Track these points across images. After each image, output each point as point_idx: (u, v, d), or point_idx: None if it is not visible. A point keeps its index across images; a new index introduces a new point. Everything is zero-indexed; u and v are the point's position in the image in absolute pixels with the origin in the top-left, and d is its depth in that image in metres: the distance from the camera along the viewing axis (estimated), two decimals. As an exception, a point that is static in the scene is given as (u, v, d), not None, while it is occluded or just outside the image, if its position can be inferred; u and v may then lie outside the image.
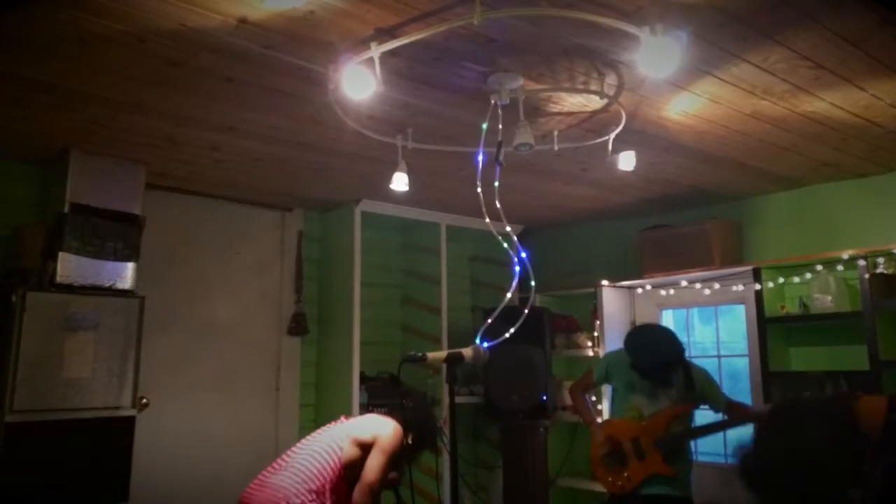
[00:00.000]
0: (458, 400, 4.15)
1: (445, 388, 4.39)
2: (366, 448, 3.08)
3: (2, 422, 3.27)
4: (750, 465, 1.87)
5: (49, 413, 3.37)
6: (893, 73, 2.75)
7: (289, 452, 3.20)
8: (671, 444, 3.52)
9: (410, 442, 3.20)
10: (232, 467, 4.40)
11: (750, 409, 3.60)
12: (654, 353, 3.56)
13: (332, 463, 3.08)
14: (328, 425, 3.31)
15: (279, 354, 4.76)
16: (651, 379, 3.59)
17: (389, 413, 3.39)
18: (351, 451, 3.09)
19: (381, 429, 3.12)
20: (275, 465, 3.15)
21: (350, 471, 3.05)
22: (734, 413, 3.60)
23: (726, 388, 4.74)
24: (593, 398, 4.29)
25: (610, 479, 3.66)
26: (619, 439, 3.63)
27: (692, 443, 3.74)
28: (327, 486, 3.02)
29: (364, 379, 4.56)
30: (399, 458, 3.12)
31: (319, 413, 4.82)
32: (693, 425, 3.69)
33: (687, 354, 5.02)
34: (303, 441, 3.26)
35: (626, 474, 3.58)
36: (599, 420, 3.99)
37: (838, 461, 1.76)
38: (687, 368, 3.66)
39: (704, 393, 3.64)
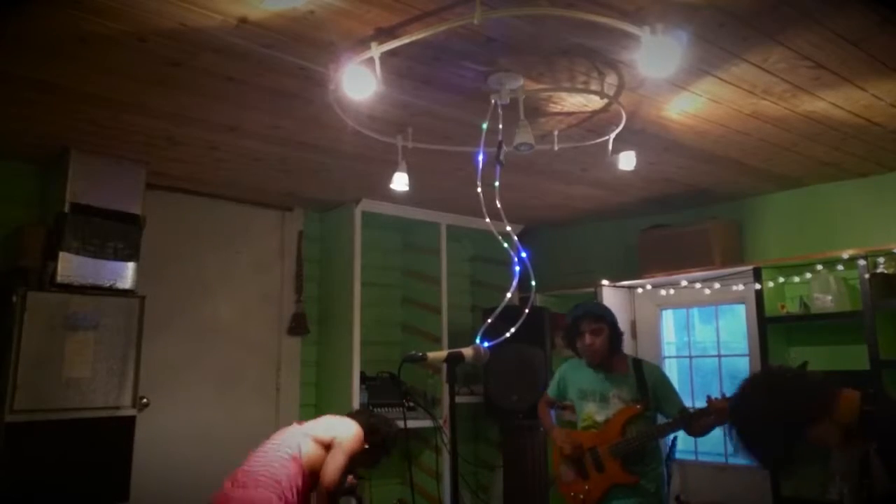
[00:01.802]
0: (458, 400, 4.12)
1: (445, 388, 4.39)
2: (327, 448, 3.05)
3: (2, 422, 3.27)
4: (733, 414, 2.13)
5: (49, 413, 3.38)
6: (893, 73, 2.75)
7: (246, 467, 3.09)
8: (628, 450, 3.25)
9: (367, 446, 3.16)
10: (232, 467, 4.38)
11: (708, 409, 3.17)
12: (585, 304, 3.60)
13: (290, 469, 2.99)
14: (280, 432, 3.23)
15: (279, 354, 4.76)
16: (618, 350, 3.44)
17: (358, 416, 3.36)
18: (313, 451, 3.04)
19: (341, 430, 3.12)
20: (236, 477, 3.06)
21: (315, 476, 3.01)
22: (689, 421, 3.25)
23: (726, 388, 4.75)
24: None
25: (572, 493, 3.39)
26: (577, 451, 3.36)
27: (660, 443, 3.45)
28: (293, 494, 2.94)
29: (364, 379, 4.56)
30: (356, 463, 3.10)
31: (320, 413, 4.80)
32: (653, 425, 3.37)
33: (686, 354, 5.06)
34: (258, 451, 3.15)
35: (586, 487, 3.33)
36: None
37: (790, 425, 1.98)
38: (638, 366, 3.39)
39: (657, 394, 3.34)
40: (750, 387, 2.12)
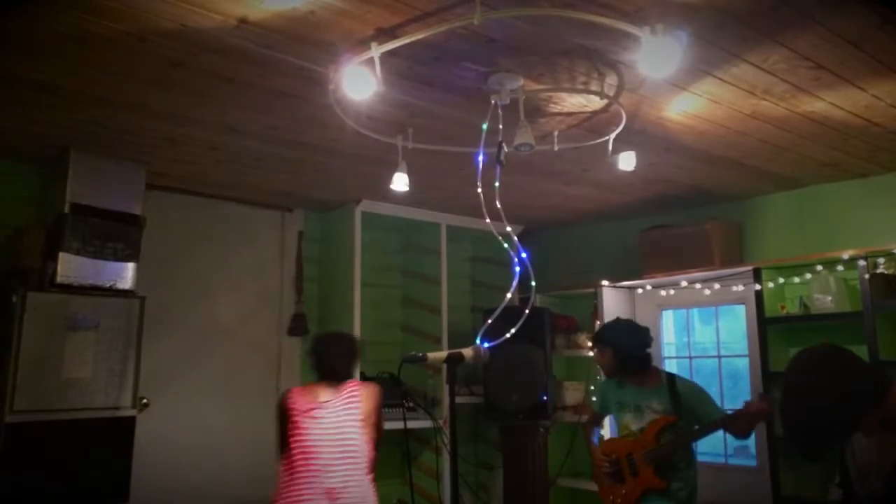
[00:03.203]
0: (458, 400, 4.12)
1: (446, 388, 4.39)
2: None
3: (2, 422, 3.27)
4: (781, 395, 2.01)
5: (49, 413, 3.38)
6: (893, 74, 2.75)
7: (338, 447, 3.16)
8: (660, 456, 3.43)
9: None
10: (232, 467, 4.40)
11: (743, 410, 3.31)
12: (639, 341, 3.65)
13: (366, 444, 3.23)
14: (328, 406, 3.21)
15: (279, 354, 4.76)
16: (634, 369, 3.59)
17: None
18: (371, 434, 3.25)
19: (371, 399, 3.28)
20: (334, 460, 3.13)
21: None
22: (728, 422, 3.39)
23: (726, 388, 4.76)
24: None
25: (611, 497, 3.61)
26: (615, 457, 3.58)
27: (691, 452, 3.52)
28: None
29: (364, 379, 4.55)
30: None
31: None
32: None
33: (686, 355, 5.07)
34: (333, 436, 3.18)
35: (623, 492, 3.53)
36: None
37: (843, 411, 1.87)
38: (672, 380, 3.57)
39: (691, 405, 3.47)
40: (812, 363, 1.99)
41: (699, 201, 4.73)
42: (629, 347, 3.60)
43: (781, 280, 4.26)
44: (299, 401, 3.18)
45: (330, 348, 3.34)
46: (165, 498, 4.02)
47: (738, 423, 3.35)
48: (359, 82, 2.47)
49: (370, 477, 3.26)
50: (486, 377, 4.75)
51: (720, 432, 3.70)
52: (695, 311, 5.13)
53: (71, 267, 3.52)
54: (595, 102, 3.01)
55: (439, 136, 3.38)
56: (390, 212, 4.74)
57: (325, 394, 3.20)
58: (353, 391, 3.25)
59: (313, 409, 3.15)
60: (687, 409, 3.46)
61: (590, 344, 4.95)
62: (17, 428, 3.29)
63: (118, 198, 3.71)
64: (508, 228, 2.77)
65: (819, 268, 4.09)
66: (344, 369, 3.31)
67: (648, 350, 3.64)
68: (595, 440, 3.84)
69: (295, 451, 3.11)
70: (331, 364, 3.27)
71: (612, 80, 2.78)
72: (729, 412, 3.41)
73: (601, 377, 4.03)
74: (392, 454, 4.91)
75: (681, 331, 5.24)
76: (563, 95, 2.96)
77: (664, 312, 5.21)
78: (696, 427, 3.44)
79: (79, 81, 2.78)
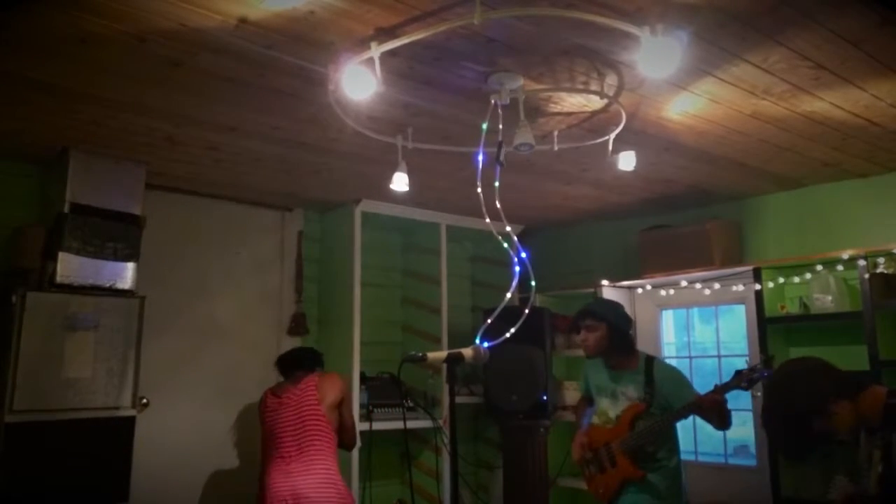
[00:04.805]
0: (458, 400, 4.14)
1: (445, 388, 4.39)
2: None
3: (2, 422, 3.27)
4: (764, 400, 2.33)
5: (49, 413, 3.37)
6: (893, 73, 2.76)
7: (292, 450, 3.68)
8: (634, 445, 3.35)
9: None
10: (232, 467, 4.40)
11: (713, 394, 3.25)
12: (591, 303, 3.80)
13: (330, 434, 3.76)
14: (285, 402, 3.79)
15: (279, 354, 4.75)
16: (622, 348, 3.53)
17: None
18: (335, 417, 3.80)
19: (340, 386, 3.88)
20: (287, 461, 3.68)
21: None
22: (689, 412, 3.32)
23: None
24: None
25: (593, 487, 3.55)
26: (594, 446, 3.52)
27: (673, 441, 3.46)
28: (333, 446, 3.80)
29: (364, 379, 4.55)
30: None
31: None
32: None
33: (686, 354, 5.07)
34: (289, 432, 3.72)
35: (605, 482, 3.47)
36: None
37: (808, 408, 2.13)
38: (650, 363, 3.47)
39: (665, 392, 3.38)
40: (782, 378, 2.31)
41: (699, 201, 4.73)
42: (622, 324, 3.54)
43: (781, 280, 4.26)
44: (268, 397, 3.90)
45: (289, 353, 4.13)
46: (165, 498, 4.02)
47: (703, 413, 3.30)
48: (359, 82, 2.47)
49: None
50: (486, 377, 4.75)
51: (720, 432, 3.68)
52: (695, 310, 5.14)
53: (71, 267, 3.51)
54: (595, 102, 3.01)
55: (439, 136, 3.38)
56: (390, 212, 4.74)
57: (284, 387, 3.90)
58: (309, 382, 3.85)
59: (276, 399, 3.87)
60: (660, 395, 3.37)
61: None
62: (17, 428, 3.28)
63: (118, 197, 3.70)
64: (508, 228, 2.77)
65: (819, 268, 4.09)
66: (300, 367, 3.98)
67: (631, 331, 3.62)
68: (586, 422, 3.67)
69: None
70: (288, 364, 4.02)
71: (612, 80, 2.79)
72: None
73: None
74: (392, 454, 4.92)
75: (681, 330, 5.25)
76: (563, 95, 2.96)
77: (664, 312, 5.21)
78: (660, 417, 3.35)
79: (79, 81, 2.78)
